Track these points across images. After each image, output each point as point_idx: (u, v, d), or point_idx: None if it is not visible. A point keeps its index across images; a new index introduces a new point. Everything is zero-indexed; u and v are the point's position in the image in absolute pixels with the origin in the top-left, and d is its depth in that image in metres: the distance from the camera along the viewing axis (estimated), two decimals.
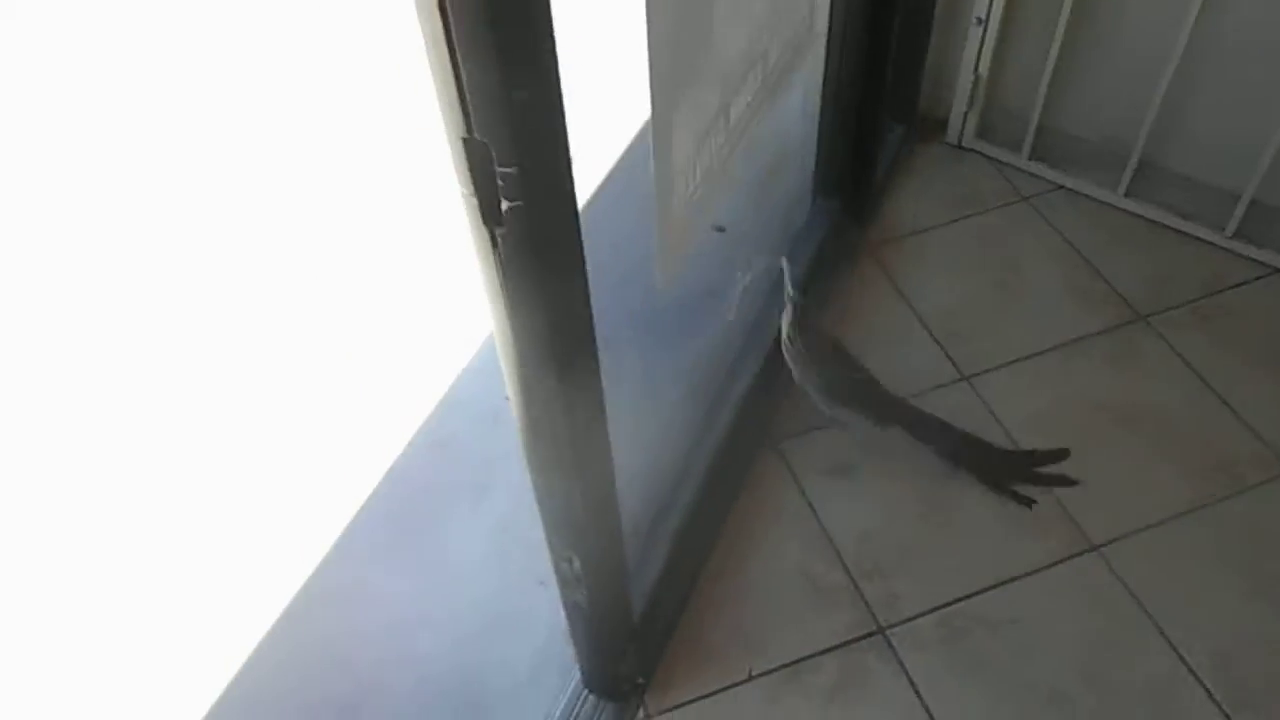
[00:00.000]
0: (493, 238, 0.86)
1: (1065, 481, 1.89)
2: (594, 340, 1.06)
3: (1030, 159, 2.47)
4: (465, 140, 0.78)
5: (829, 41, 2.22)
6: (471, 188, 0.82)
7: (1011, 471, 1.93)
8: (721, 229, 2.43)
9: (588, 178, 2.53)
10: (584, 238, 0.95)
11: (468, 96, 0.76)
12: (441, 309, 2.34)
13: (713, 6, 1.27)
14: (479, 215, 0.84)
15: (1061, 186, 2.45)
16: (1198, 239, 2.30)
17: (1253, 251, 2.25)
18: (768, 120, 1.64)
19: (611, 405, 1.16)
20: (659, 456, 2.01)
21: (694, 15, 1.23)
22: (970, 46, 2.38)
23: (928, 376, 2.11)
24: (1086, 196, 2.42)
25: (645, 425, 2.06)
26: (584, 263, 0.97)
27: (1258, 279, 2.23)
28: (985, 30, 2.33)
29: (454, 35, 0.72)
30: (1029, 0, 2.28)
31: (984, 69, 2.39)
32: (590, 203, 2.47)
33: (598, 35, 2.38)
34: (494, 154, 0.79)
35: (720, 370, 2.08)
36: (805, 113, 2.40)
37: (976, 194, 2.47)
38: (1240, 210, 2.23)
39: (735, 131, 1.45)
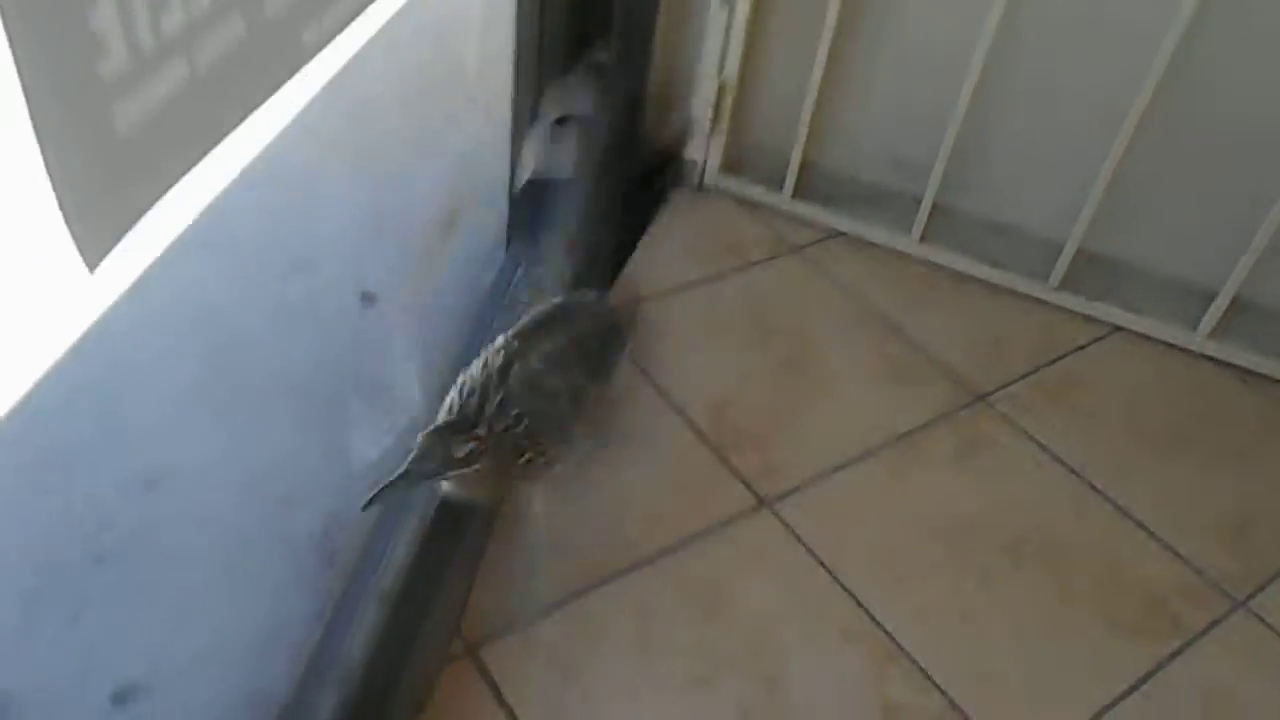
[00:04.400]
0: None
1: None
2: None
3: (795, 198, 1.83)
4: None
5: (517, 34, 1.48)
6: None
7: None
8: (370, 297, 1.57)
9: None
10: None
11: None
12: None
13: None
14: None
15: (839, 232, 1.82)
16: (1018, 293, 1.74)
17: (1086, 306, 1.71)
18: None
19: None
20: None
21: None
22: (712, 38, 1.72)
23: (710, 503, 1.34)
24: (872, 244, 1.80)
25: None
26: None
27: (1099, 339, 1.69)
28: (732, 13, 1.68)
29: None
30: None
31: (731, 71, 1.74)
32: None
33: None
34: None
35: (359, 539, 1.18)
36: (494, 132, 1.63)
37: (733, 244, 1.79)
38: (1065, 259, 1.70)
39: None
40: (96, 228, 0.45)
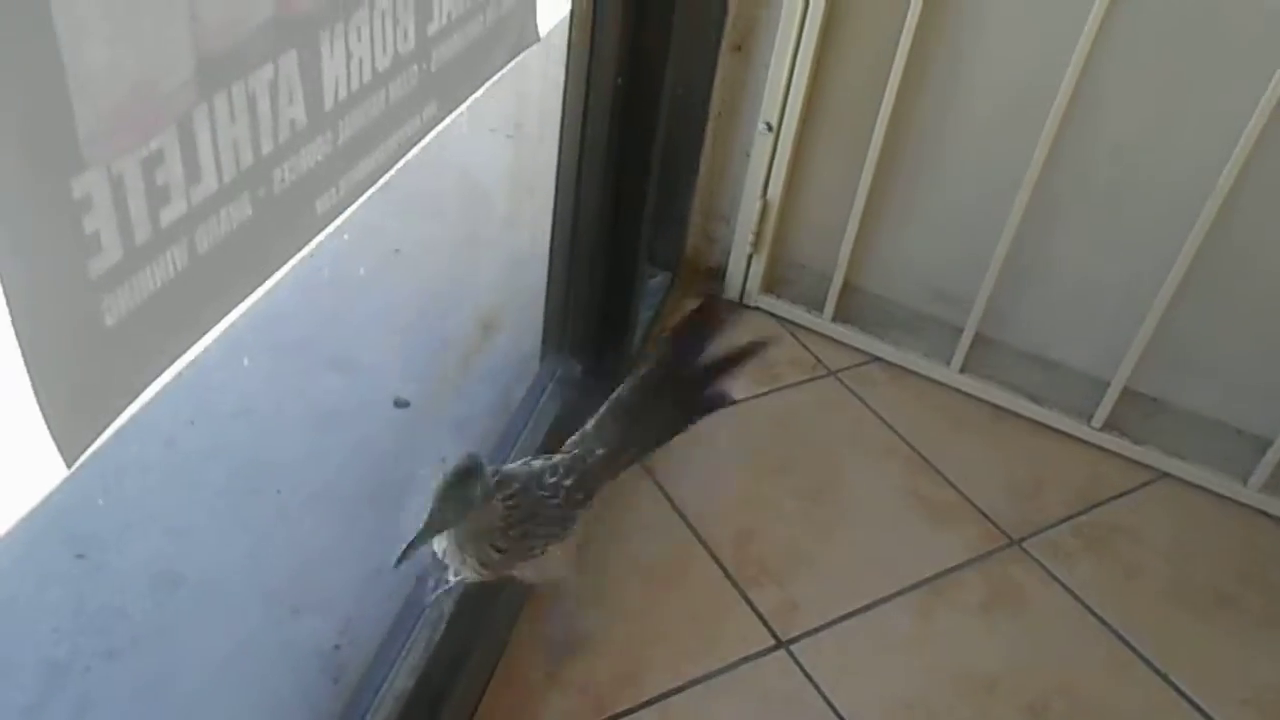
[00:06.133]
0: None
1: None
2: None
3: (835, 321, 1.82)
4: None
5: (560, 148, 1.51)
6: None
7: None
8: (403, 403, 1.59)
9: None
10: None
11: None
12: None
13: None
14: None
15: (878, 358, 1.80)
16: (1059, 431, 1.70)
17: (1130, 449, 1.66)
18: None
19: None
20: None
21: None
22: (756, 163, 1.74)
23: (725, 640, 1.31)
24: (911, 372, 1.78)
25: None
26: None
27: (1144, 485, 1.63)
28: (777, 140, 1.70)
29: None
30: (835, 105, 1.69)
31: (775, 194, 1.75)
32: None
33: None
34: None
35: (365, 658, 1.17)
36: (535, 241, 1.66)
37: (767, 364, 1.78)
38: (1110, 399, 1.65)
39: (283, 142, 0.62)
40: (77, 425, 0.46)
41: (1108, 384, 1.65)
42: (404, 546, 0.98)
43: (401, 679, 1.11)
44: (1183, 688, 1.33)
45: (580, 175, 1.45)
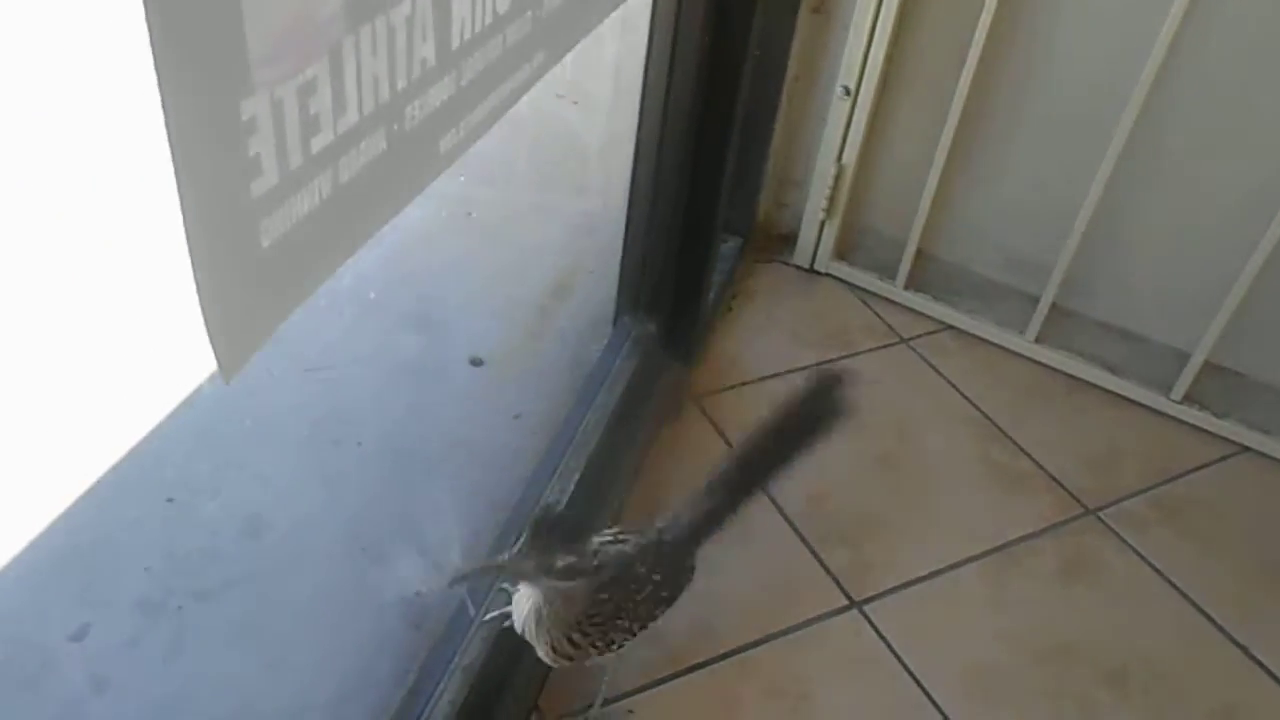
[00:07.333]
0: None
1: None
2: None
3: (908, 289, 1.81)
4: None
5: (641, 110, 1.51)
6: None
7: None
8: (479, 362, 1.61)
9: None
10: None
11: None
12: None
13: None
14: None
15: (951, 326, 1.79)
16: (1137, 403, 1.68)
17: (1210, 423, 1.63)
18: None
19: None
20: None
21: None
22: (833, 127, 1.73)
23: (799, 599, 1.31)
24: (984, 341, 1.76)
25: None
26: None
27: (1223, 459, 1.61)
28: (854, 104, 1.68)
29: None
30: (914, 70, 1.67)
31: (850, 159, 1.74)
32: None
33: None
34: None
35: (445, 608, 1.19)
36: (605, 206, 1.67)
37: (839, 331, 1.77)
38: (1190, 372, 1.62)
39: (416, 78, 0.62)
40: (237, 341, 0.47)
41: (1188, 356, 1.63)
42: (472, 568, 0.92)
43: (484, 628, 1.13)
44: (1261, 659, 1.32)
45: (662, 138, 1.45)
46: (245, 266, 0.48)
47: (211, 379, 1.42)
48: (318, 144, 0.51)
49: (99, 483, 1.34)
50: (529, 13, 0.74)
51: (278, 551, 1.32)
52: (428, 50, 0.60)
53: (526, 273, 1.80)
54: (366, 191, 0.57)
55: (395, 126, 0.59)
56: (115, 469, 1.37)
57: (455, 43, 0.64)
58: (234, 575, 1.29)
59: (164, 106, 0.41)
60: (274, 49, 0.46)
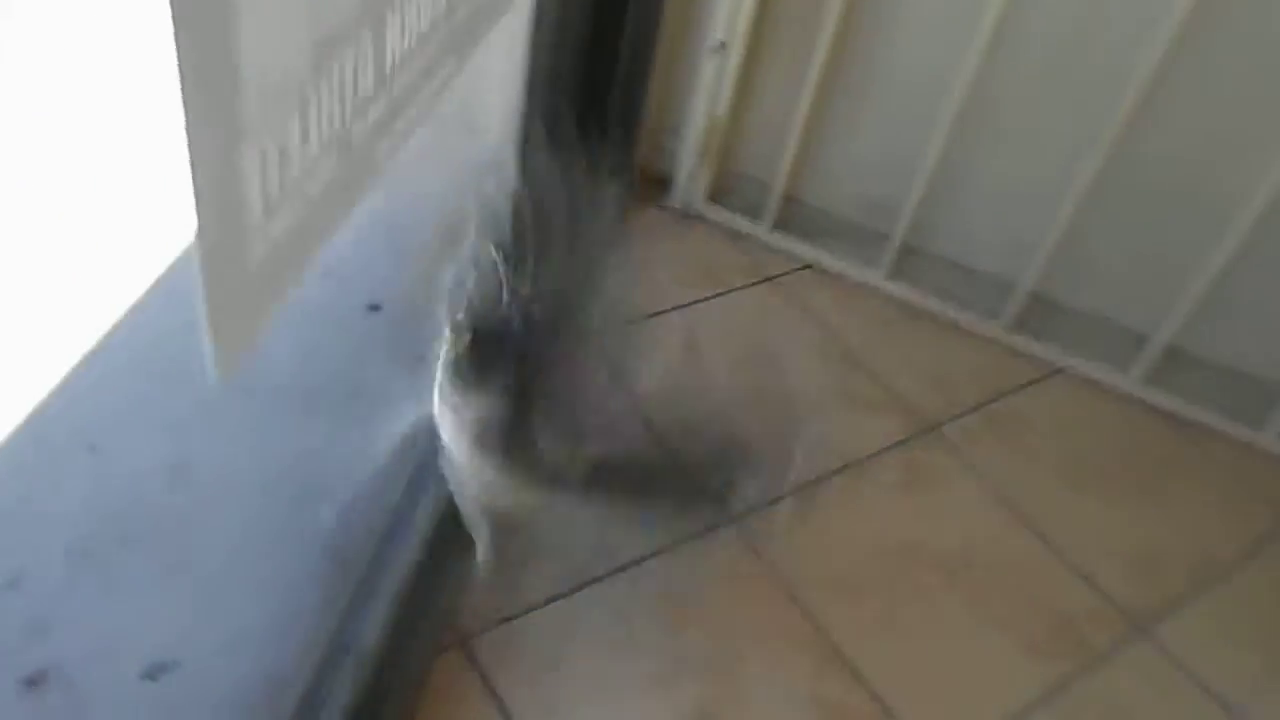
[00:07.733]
0: None
1: None
2: None
3: (774, 230, 1.98)
4: None
5: (529, 58, 1.60)
6: None
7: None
8: (376, 307, 1.70)
9: None
10: None
11: None
12: None
13: None
14: None
15: (813, 265, 1.97)
16: (974, 332, 1.90)
17: (1034, 347, 1.88)
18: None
19: None
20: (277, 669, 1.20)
21: None
22: (706, 80, 1.85)
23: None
24: (843, 277, 1.95)
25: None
26: None
27: (1044, 378, 1.86)
28: (726, 56, 1.81)
29: None
30: (784, 22, 1.80)
31: (723, 109, 1.88)
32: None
33: None
34: None
35: (368, 539, 1.31)
36: (501, 148, 1.75)
37: (711, 270, 1.93)
38: (1017, 302, 1.85)
39: (359, 104, 0.73)
40: (230, 346, 0.58)
41: (1015, 287, 1.85)
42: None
43: (407, 554, 1.26)
44: (1062, 549, 1.57)
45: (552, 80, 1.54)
46: (238, 281, 0.59)
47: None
48: (289, 175, 0.62)
49: (17, 430, 1.39)
50: (443, 27, 0.84)
51: (200, 495, 1.40)
52: (368, 79, 0.70)
53: (419, 220, 1.88)
54: (325, 205, 0.68)
55: (345, 147, 0.69)
56: (33, 416, 1.42)
57: (388, 66, 0.74)
58: (157, 520, 1.37)
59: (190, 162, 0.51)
60: (260, 110, 0.56)
